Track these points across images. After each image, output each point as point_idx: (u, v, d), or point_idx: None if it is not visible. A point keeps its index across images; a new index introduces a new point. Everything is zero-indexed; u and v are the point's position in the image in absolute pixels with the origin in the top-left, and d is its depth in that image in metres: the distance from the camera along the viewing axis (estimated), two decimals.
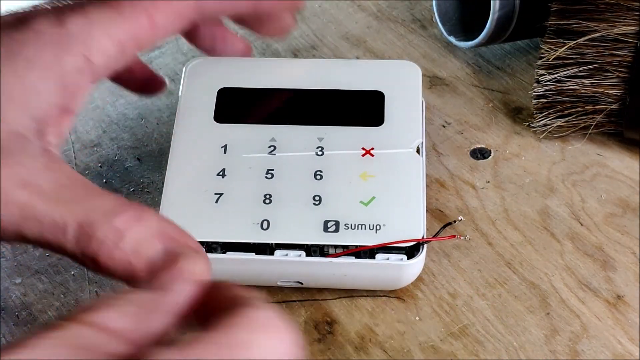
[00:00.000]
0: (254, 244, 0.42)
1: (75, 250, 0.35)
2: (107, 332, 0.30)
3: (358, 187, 0.43)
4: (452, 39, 0.55)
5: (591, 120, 0.49)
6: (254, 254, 0.42)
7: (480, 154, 0.50)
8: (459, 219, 0.46)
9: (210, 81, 0.48)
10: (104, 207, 0.35)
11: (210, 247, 0.42)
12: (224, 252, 0.42)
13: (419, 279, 0.44)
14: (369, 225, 0.42)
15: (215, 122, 0.46)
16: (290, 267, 0.42)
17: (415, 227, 0.42)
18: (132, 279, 0.36)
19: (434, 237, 0.45)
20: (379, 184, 0.44)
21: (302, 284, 0.43)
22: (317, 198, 0.43)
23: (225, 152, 0.45)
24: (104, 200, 0.36)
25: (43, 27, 0.37)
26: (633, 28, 0.47)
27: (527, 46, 0.57)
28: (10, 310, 0.44)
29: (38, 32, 0.37)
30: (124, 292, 0.32)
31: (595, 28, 0.47)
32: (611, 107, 0.48)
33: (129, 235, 0.35)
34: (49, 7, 0.37)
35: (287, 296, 0.44)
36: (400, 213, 0.42)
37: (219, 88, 0.48)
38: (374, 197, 0.43)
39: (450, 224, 0.46)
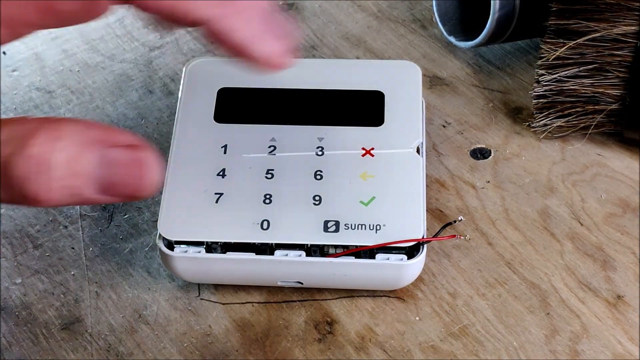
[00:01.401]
0: (254, 244, 0.42)
1: (4, 197, 0.33)
2: None
3: (358, 187, 0.43)
4: (452, 39, 0.55)
5: (591, 120, 0.49)
6: (254, 254, 0.42)
7: (480, 154, 0.50)
8: (459, 219, 0.46)
9: (210, 81, 0.48)
10: (10, 138, 0.32)
11: (210, 247, 0.42)
12: (224, 252, 0.42)
13: (419, 279, 0.44)
14: (369, 225, 0.42)
15: (215, 122, 0.46)
16: (290, 267, 0.42)
17: (415, 227, 0.42)
18: (84, 203, 0.34)
19: (434, 237, 0.45)
20: (379, 184, 0.44)
21: (302, 284, 0.43)
22: (317, 198, 0.43)
23: (225, 152, 0.45)
24: (7, 129, 0.32)
25: None
26: (633, 28, 0.47)
27: (527, 46, 0.57)
28: (10, 310, 0.44)
29: None
30: None
31: (595, 28, 0.47)
32: (611, 107, 0.48)
33: (55, 161, 0.32)
34: None
35: (287, 296, 0.44)
36: (400, 213, 0.42)
37: (219, 88, 0.48)
38: (374, 197, 0.43)
39: (450, 224, 0.46)
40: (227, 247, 0.42)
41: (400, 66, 0.49)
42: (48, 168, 0.32)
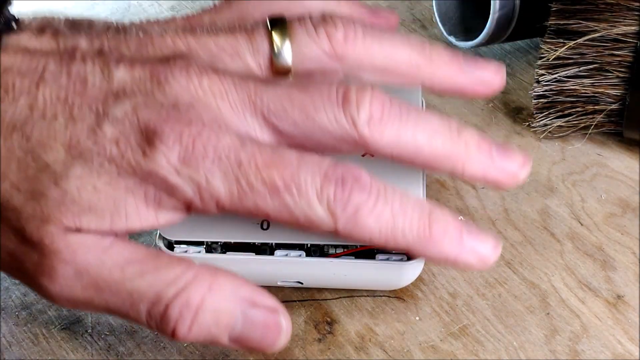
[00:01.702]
0: (254, 243, 0.42)
1: (150, 325, 0.37)
2: None
3: None
4: (452, 39, 0.55)
5: (591, 120, 0.49)
6: (254, 254, 0.42)
7: None
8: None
9: None
10: (173, 280, 0.36)
11: (210, 247, 0.42)
12: (224, 252, 0.42)
13: (419, 279, 0.44)
14: None
15: None
16: (290, 267, 0.42)
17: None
18: (215, 345, 0.38)
19: None
20: None
21: (302, 284, 0.43)
22: None
23: None
24: (171, 271, 0.36)
25: None
26: (633, 28, 0.47)
27: (527, 46, 0.57)
28: (10, 310, 0.44)
29: None
30: None
31: (595, 28, 0.47)
32: (611, 107, 0.49)
33: (203, 309, 0.36)
34: None
35: (287, 296, 0.44)
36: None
37: None
38: None
39: None
40: (227, 247, 0.42)
41: None
42: (196, 314, 0.36)
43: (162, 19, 0.42)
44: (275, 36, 0.39)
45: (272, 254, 0.42)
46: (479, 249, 0.38)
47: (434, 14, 0.55)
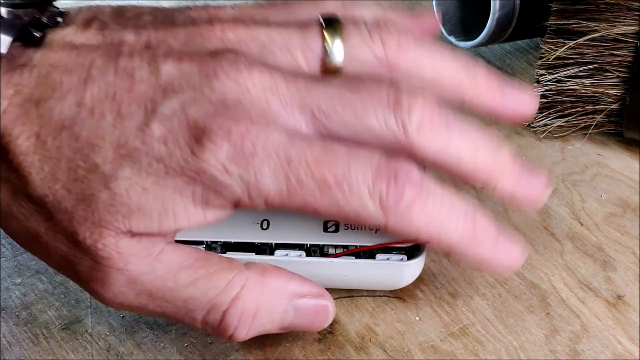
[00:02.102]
0: (254, 243, 0.42)
1: (206, 329, 0.38)
2: None
3: None
4: (452, 39, 0.55)
5: (591, 120, 0.49)
6: (254, 254, 0.42)
7: None
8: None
9: None
10: (226, 287, 0.37)
11: (210, 246, 0.42)
12: (224, 252, 0.42)
13: (419, 279, 0.44)
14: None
15: None
16: (290, 267, 0.42)
17: None
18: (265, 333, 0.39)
19: None
20: None
21: None
22: None
23: None
24: (223, 277, 0.37)
25: None
26: (633, 28, 0.47)
27: (527, 46, 0.57)
28: (10, 310, 0.44)
29: None
30: None
31: (595, 28, 0.47)
32: (611, 107, 0.49)
33: (259, 313, 0.38)
34: None
35: None
36: None
37: None
38: None
39: None
40: (227, 247, 0.42)
41: None
42: (253, 319, 0.38)
43: (211, 5, 0.41)
44: (328, 35, 0.39)
45: (272, 254, 0.42)
46: (511, 255, 0.39)
47: (434, 14, 0.55)
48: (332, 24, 0.39)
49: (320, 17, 0.39)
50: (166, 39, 0.38)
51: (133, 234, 0.36)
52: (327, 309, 0.40)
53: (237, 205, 0.37)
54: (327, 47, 0.39)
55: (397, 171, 0.36)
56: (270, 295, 0.38)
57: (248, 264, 0.38)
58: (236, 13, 0.41)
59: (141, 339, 0.42)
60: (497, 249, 0.38)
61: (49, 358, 0.41)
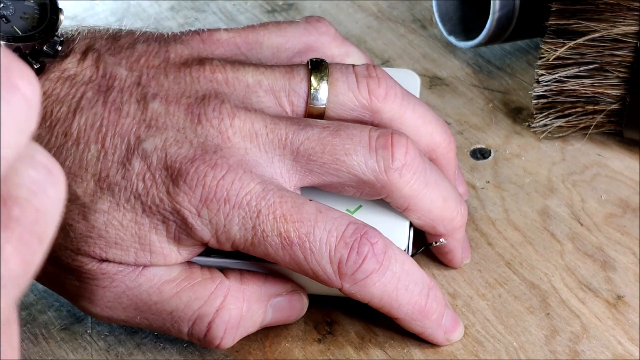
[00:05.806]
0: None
1: (193, 340, 0.40)
2: None
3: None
4: (452, 39, 0.55)
5: (591, 120, 0.49)
6: (240, 259, 0.41)
7: (480, 154, 0.50)
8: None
9: None
10: (209, 297, 0.39)
11: (209, 250, 0.42)
12: (223, 257, 0.42)
13: None
14: None
15: None
16: (288, 272, 0.42)
17: (400, 238, 0.41)
18: None
19: (412, 255, 0.43)
20: None
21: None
22: None
23: None
24: (206, 289, 0.39)
25: None
26: (633, 28, 0.47)
27: (527, 46, 0.57)
28: None
29: None
30: None
31: (595, 28, 0.47)
32: (611, 107, 0.49)
33: (243, 320, 0.39)
34: None
35: None
36: (385, 223, 0.41)
37: None
38: (360, 206, 0.42)
39: (430, 244, 0.43)
40: (225, 251, 0.42)
41: (399, 74, 0.48)
42: (237, 327, 0.39)
43: (214, 35, 0.42)
44: (315, 79, 0.40)
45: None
46: (451, 332, 0.41)
47: (434, 14, 0.55)
48: (319, 68, 0.40)
49: (309, 60, 0.41)
50: (157, 76, 0.39)
51: (110, 261, 0.38)
52: (301, 302, 0.41)
53: (205, 245, 0.38)
54: (312, 91, 0.40)
55: (362, 240, 0.37)
56: (251, 300, 0.39)
57: (226, 272, 0.40)
58: (230, 38, 0.42)
59: (141, 340, 0.42)
60: (440, 326, 0.40)
61: (49, 358, 0.41)
